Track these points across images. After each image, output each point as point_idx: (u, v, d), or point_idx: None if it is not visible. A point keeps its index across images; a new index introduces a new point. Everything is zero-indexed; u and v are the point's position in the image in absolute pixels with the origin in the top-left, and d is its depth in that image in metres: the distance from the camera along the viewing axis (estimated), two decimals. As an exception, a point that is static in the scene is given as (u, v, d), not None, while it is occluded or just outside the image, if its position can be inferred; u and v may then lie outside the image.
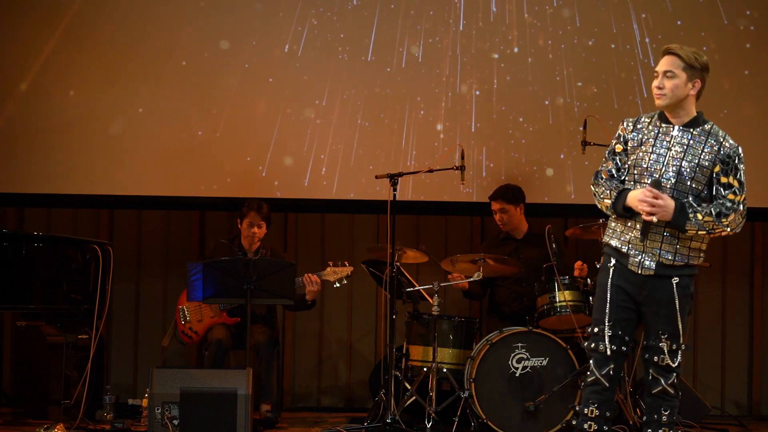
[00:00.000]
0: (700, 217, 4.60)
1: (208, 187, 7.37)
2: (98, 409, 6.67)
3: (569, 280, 6.48)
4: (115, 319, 7.79)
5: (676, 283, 4.68)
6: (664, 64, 4.69)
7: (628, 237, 4.72)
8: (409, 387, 6.48)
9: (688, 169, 4.65)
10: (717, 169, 4.66)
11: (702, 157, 4.66)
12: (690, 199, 4.64)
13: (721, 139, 4.68)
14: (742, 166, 4.68)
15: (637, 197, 4.63)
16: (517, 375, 6.31)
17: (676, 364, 4.70)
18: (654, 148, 4.70)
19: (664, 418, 4.73)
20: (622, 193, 4.70)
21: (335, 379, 7.88)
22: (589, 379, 4.78)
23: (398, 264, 6.47)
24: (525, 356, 6.32)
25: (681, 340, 4.70)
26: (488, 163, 7.40)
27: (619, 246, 4.74)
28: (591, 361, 4.78)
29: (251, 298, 6.15)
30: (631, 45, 7.32)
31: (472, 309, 7.74)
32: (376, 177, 6.60)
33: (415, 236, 7.75)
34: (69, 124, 7.36)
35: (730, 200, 4.64)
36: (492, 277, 6.91)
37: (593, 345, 4.76)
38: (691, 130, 4.69)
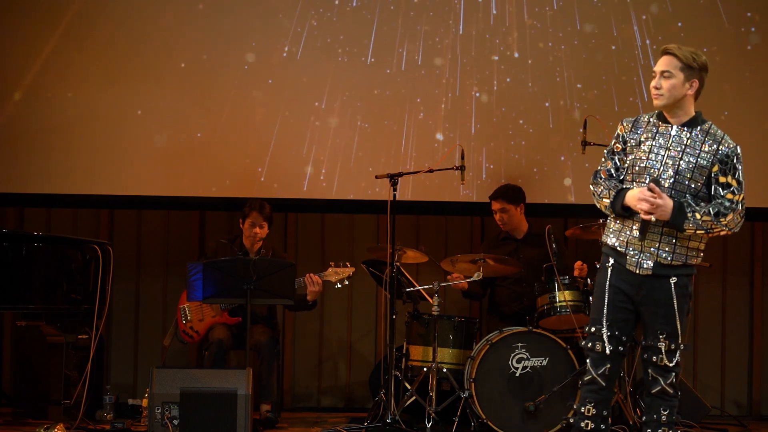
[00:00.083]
0: (698, 216, 4.60)
1: (208, 187, 7.37)
2: (98, 409, 6.68)
3: (569, 280, 6.49)
4: (115, 319, 7.79)
5: (674, 282, 4.68)
6: (662, 64, 4.70)
7: (626, 236, 4.73)
8: (409, 387, 6.48)
9: (686, 169, 4.66)
10: (715, 168, 4.67)
11: (700, 156, 4.66)
12: (688, 198, 4.65)
13: (720, 139, 4.69)
14: (740, 165, 4.68)
15: (635, 196, 4.63)
16: (517, 375, 6.32)
17: (674, 363, 4.71)
18: (653, 148, 4.70)
19: (664, 418, 4.73)
20: (621, 193, 4.70)
21: (335, 379, 7.88)
22: (585, 378, 4.80)
23: (398, 264, 6.47)
24: (525, 356, 6.32)
25: (680, 339, 4.70)
26: (488, 165, 7.40)
27: (617, 245, 4.75)
28: (588, 361, 4.80)
29: (251, 298, 6.15)
30: (631, 47, 7.33)
31: (472, 309, 7.75)
32: (376, 177, 6.61)
33: (415, 236, 7.76)
34: (69, 124, 7.36)
35: (729, 200, 4.64)
36: (492, 277, 6.91)
37: (590, 344, 4.77)
38: (690, 129, 4.70)
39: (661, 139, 4.71)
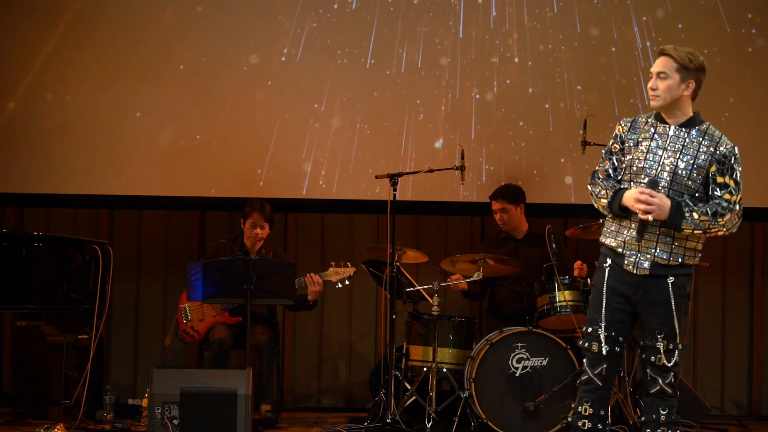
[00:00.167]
0: (696, 216, 4.60)
1: (208, 188, 7.37)
2: (98, 409, 6.68)
3: (569, 280, 6.49)
4: (115, 319, 7.79)
5: (671, 282, 4.68)
6: (658, 65, 4.70)
7: (623, 237, 4.73)
8: (409, 387, 6.48)
9: (684, 169, 4.66)
10: (713, 168, 4.67)
11: (698, 156, 4.66)
12: (686, 198, 4.65)
13: (717, 139, 4.69)
14: (738, 166, 4.68)
15: (633, 196, 4.63)
16: (517, 375, 6.32)
17: (673, 363, 4.70)
18: (650, 148, 4.70)
19: (663, 418, 4.73)
20: (618, 193, 4.71)
21: (335, 379, 7.88)
22: (582, 378, 4.80)
23: (398, 264, 6.48)
24: (525, 356, 6.33)
25: (678, 339, 4.70)
26: (488, 167, 7.40)
27: (615, 246, 4.75)
28: (584, 360, 4.79)
29: (251, 298, 6.16)
30: (631, 48, 7.33)
31: (472, 309, 7.75)
32: (376, 177, 6.61)
33: (415, 236, 7.76)
34: (69, 124, 7.37)
35: (726, 200, 4.64)
36: (492, 277, 6.91)
37: (587, 344, 4.77)
38: (688, 130, 4.70)
39: (659, 139, 4.71)
